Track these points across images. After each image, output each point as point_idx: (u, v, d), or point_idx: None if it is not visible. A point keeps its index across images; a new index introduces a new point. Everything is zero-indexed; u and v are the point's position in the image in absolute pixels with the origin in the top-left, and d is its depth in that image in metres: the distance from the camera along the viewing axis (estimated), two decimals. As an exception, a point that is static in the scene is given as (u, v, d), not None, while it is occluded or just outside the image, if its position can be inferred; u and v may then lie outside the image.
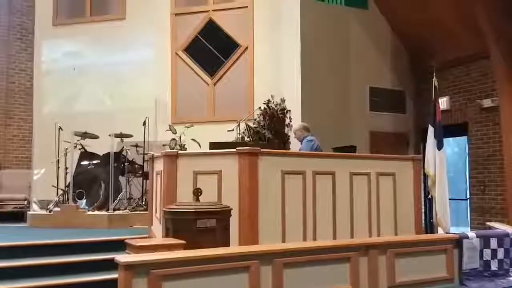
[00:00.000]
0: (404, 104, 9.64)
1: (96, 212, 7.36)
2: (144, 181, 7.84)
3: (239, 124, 7.22)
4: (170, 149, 6.00)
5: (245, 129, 7.66)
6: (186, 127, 7.01)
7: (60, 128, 7.79)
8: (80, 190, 7.61)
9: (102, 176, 7.69)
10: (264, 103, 8.31)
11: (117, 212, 7.32)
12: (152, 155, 5.99)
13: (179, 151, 5.16)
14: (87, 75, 9.42)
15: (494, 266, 4.98)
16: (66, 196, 7.55)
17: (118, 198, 7.58)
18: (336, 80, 8.75)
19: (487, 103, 8.16)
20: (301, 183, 4.97)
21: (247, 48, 8.89)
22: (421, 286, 4.53)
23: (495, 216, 7.90)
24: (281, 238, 4.78)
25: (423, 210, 7.18)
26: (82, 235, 5.76)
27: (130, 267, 3.27)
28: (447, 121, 8.16)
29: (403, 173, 5.71)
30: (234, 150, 4.72)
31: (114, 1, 9.62)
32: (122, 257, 3.40)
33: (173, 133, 6.99)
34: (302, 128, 6.73)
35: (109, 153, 7.54)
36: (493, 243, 5.01)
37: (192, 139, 6.83)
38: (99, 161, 7.96)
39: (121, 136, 7.92)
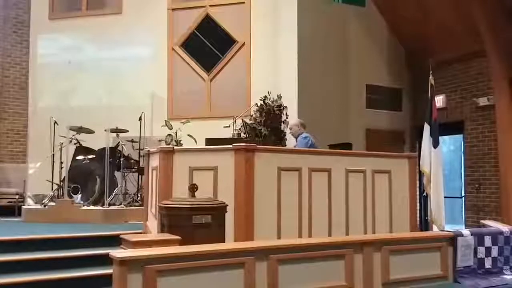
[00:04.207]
0: (400, 101, 9.67)
1: (91, 207, 7.34)
2: (140, 176, 7.83)
3: (235, 120, 7.22)
4: (166, 145, 5.99)
5: (242, 125, 7.66)
6: (182, 122, 6.99)
7: (55, 122, 7.75)
8: (75, 185, 7.59)
9: (97, 171, 7.67)
10: (260, 100, 8.31)
11: (112, 207, 7.30)
12: (148, 150, 5.98)
13: (175, 147, 5.15)
14: (83, 69, 9.39)
15: (488, 264, 5.01)
16: (61, 191, 7.53)
17: (113, 193, 7.57)
18: (333, 77, 8.76)
19: (483, 101, 8.18)
20: (297, 180, 4.97)
21: (244, 44, 8.87)
22: (415, 283, 4.54)
23: (489, 214, 7.94)
24: (277, 234, 4.78)
25: (418, 208, 7.21)
26: (77, 230, 5.75)
27: (125, 262, 3.26)
28: (443, 119, 8.18)
29: (398, 170, 5.72)
30: (230, 146, 4.72)
31: (110, -5, 9.60)
32: (117, 252, 3.40)
33: (169, 128, 6.97)
34: (299, 124, 6.73)
35: (104, 148, 7.51)
36: (487, 241, 5.03)
37: (188, 135, 6.81)
38: (94, 156, 7.94)
39: (116, 131, 7.90)
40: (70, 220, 6.79)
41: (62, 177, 7.59)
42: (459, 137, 8.94)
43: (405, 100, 9.68)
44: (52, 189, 7.61)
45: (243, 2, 8.91)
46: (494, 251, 5.05)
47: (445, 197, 6.00)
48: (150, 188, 5.81)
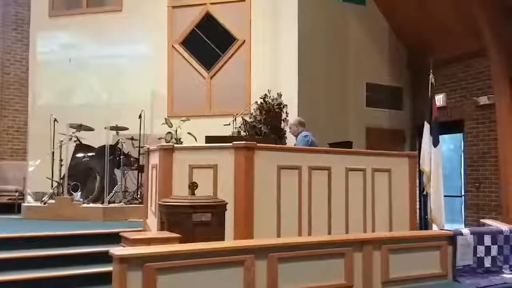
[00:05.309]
0: (400, 100, 9.67)
1: (91, 205, 7.34)
2: (140, 174, 7.83)
3: (235, 118, 7.21)
4: (166, 143, 5.98)
5: (242, 124, 7.65)
6: (182, 120, 6.98)
7: (55, 120, 7.75)
8: (75, 182, 7.59)
9: (97, 169, 7.67)
10: (260, 98, 8.30)
11: (112, 205, 7.31)
12: (148, 148, 5.98)
13: (175, 145, 5.15)
14: (83, 67, 9.37)
15: (487, 263, 5.01)
16: (61, 188, 7.53)
17: (113, 191, 7.57)
18: (333, 76, 8.76)
19: (483, 100, 8.18)
20: (296, 178, 4.96)
21: (244, 42, 8.86)
22: (415, 282, 4.54)
23: (489, 213, 7.95)
24: (276, 232, 4.78)
25: (418, 207, 7.21)
26: (77, 228, 5.75)
27: (125, 260, 3.26)
28: (443, 118, 8.18)
29: (398, 169, 5.72)
30: (230, 144, 4.71)
31: (110, -7, 9.58)
32: (117, 250, 3.39)
33: (169, 126, 6.96)
34: (298, 123, 6.72)
35: (104, 145, 7.51)
36: (487, 240, 5.03)
37: (188, 133, 6.81)
38: (94, 154, 7.94)
39: (116, 128, 7.90)
40: (70, 217, 6.79)
41: (62, 175, 7.59)
42: (459, 136, 8.94)
43: (405, 99, 9.68)
44: (52, 186, 7.61)
45: (244, 0, 8.90)
46: (494, 250, 5.05)
47: (445, 196, 6.02)
48: (150, 186, 5.81)
